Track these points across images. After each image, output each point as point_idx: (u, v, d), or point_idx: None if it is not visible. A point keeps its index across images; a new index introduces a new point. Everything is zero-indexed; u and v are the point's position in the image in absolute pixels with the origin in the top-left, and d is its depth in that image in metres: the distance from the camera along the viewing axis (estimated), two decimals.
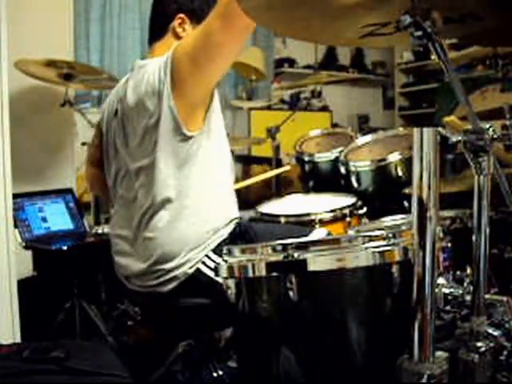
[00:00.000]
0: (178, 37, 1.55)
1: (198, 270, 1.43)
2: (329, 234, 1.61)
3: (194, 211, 1.45)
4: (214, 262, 1.42)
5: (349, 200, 2.11)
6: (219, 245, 1.43)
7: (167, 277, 1.43)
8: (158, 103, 1.41)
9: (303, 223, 1.95)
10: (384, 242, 1.00)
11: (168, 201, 1.43)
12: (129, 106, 1.49)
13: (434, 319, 0.91)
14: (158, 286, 1.44)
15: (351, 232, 1.75)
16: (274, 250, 1.02)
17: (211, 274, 1.40)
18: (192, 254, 1.43)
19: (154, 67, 1.44)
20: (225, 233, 1.48)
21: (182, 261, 1.42)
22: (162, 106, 1.40)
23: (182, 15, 1.55)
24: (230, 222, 1.50)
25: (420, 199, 0.89)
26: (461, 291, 1.25)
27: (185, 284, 1.42)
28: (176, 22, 1.55)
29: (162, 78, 1.40)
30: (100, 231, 2.35)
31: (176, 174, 1.43)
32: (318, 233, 1.62)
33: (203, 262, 1.44)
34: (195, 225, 1.44)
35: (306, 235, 1.46)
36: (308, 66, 5.16)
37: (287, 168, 2.18)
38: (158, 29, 1.58)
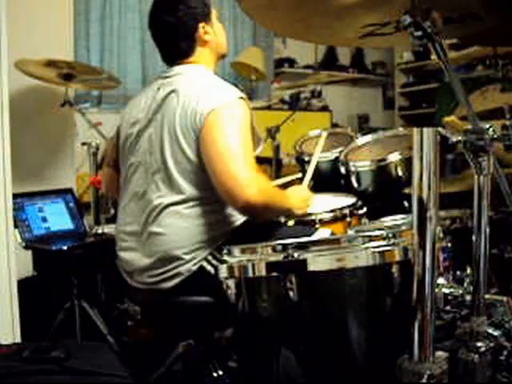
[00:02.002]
0: (205, 42, 1.61)
1: (202, 267, 1.44)
2: (332, 234, 1.61)
3: (204, 211, 1.46)
4: (217, 260, 1.42)
5: (349, 200, 2.11)
6: (224, 243, 1.43)
7: (171, 273, 1.44)
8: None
9: (303, 223, 1.95)
10: (384, 242, 1.00)
11: (180, 197, 1.46)
12: (170, 122, 1.50)
13: (434, 319, 0.91)
14: (161, 282, 1.45)
15: (351, 232, 1.75)
16: (274, 249, 1.02)
17: (214, 271, 1.41)
18: (197, 252, 1.44)
19: (196, 93, 1.48)
20: (230, 232, 1.49)
21: (187, 257, 1.43)
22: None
23: (201, 24, 1.60)
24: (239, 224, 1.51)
25: (420, 199, 0.89)
26: (461, 291, 1.25)
27: (187, 281, 1.43)
28: (201, 33, 1.60)
29: (195, 124, 1.44)
30: (100, 231, 2.35)
31: (193, 174, 1.46)
32: (322, 233, 1.62)
33: (207, 260, 1.44)
34: (204, 224, 1.45)
35: (309, 235, 1.46)
36: (308, 66, 5.15)
37: (298, 175, 2.17)
38: (186, 50, 1.60)
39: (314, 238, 1.45)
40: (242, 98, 1.49)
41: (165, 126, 1.50)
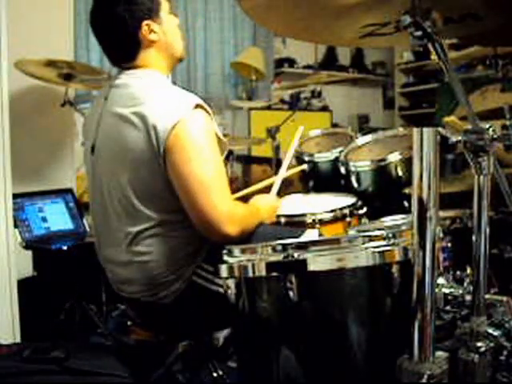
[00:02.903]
0: (151, 42, 1.43)
1: (192, 282, 1.40)
2: (320, 235, 1.59)
3: (177, 229, 1.39)
4: (206, 271, 1.40)
5: (349, 200, 2.11)
6: (209, 253, 1.39)
7: (161, 294, 1.40)
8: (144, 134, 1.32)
9: (303, 223, 1.95)
10: (384, 242, 1.00)
11: (148, 224, 1.37)
12: (111, 132, 1.39)
13: (434, 319, 0.91)
14: (154, 300, 1.42)
15: (351, 232, 1.75)
16: (274, 249, 1.02)
17: (205, 283, 1.40)
18: (182, 270, 1.39)
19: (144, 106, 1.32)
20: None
21: (170, 278, 1.39)
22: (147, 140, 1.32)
23: (146, 22, 1.41)
24: None
25: (420, 199, 0.89)
26: (461, 291, 1.25)
27: (180, 297, 1.40)
28: (145, 32, 1.42)
29: (153, 146, 1.31)
30: None
31: (158, 200, 1.37)
32: (310, 234, 1.59)
33: (196, 274, 1.41)
34: (181, 242, 1.39)
35: (297, 237, 1.42)
36: (308, 66, 5.15)
37: (304, 167, 2.14)
38: (129, 52, 1.44)
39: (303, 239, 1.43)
40: (198, 105, 1.34)
41: (114, 148, 1.37)
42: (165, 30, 1.46)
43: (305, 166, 2.15)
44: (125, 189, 1.36)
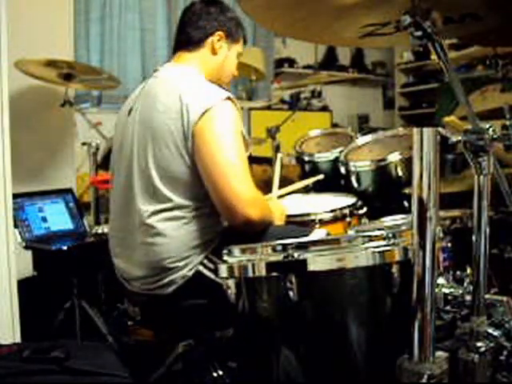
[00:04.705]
0: (214, 52, 1.61)
1: (198, 271, 1.42)
2: (328, 234, 1.61)
3: (193, 217, 1.42)
4: (213, 263, 1.40)
5: (349, 200, 2.11)
6: (219, 245, 1.41)
7: (166, 280, 1.42)
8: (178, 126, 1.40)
9: (303, 223, 1.95)
10: (384, 242, 1.00)
11: (166, 206, 1.41)
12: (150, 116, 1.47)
13: (434, 319, 0.91)
14: (157, 289, 1.43)
15: (351, 232, 1.75)
16: (274, 250, 1.02)
17: (211, 275, 1.40)
18: (191, 258, 1.42)
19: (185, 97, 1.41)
20: (224, 233, 1.47)
21: (180, 265, 1.41)
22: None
23: (221, 33, 1.61)
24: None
25: (420, 199, 0.89)
26: (461, 291, 1.25)
27: (184, 286, 1.42)
28: (215, 38, 1.61)
29: (183, 129, 1.39)
30: (100, 231, 2.35)
31: (179, 184, 1.41)
32: (318, 233, 1.61)
33: (203, 264, 1.43)
34: (195, 230, 1.42)
35: (305, 235, 1.45)
36: (308, 66, 5.15)
37: (320, 176, 2.14)
38: (192, 41, 1.60)
39: (311, 238, 1.44)
40: (229, 98, 1.43)
41: (146, 125, 1.46)
42: (228, 55, 1.65)
43: (321, 176, 2.16)
44: (149, 166, 1.42)
